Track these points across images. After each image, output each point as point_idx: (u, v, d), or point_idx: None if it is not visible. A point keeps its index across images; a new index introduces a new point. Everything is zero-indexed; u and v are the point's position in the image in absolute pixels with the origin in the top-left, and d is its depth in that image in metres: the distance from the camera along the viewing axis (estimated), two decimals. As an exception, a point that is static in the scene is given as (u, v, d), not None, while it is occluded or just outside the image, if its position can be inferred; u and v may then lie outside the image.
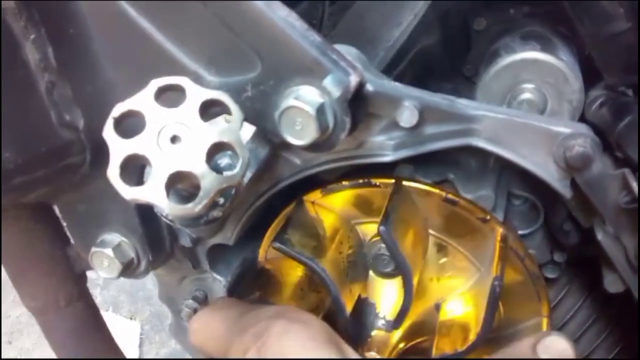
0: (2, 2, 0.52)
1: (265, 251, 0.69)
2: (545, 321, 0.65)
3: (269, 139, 0.57)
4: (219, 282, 0.72)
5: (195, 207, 0.44)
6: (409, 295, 0.59)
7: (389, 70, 0.77)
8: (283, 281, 0.67)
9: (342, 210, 0.66)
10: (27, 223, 0.67)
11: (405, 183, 0.62)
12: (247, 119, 0.54)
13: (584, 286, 0.77)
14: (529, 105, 0.71)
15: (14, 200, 0.57)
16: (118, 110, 0.45)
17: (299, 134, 0.50)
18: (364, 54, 0.65)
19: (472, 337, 0.59)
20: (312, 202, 0.66)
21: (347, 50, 0.58)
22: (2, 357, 1.72)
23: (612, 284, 0.61)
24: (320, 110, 0.49)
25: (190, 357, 0.85)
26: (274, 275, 0.68)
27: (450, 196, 0.62)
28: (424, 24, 0.79)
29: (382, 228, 0.57)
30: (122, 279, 0.67)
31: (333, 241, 0.65)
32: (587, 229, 0.63)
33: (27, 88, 0.55)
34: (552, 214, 0.70)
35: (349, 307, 0.61)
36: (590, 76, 0.70)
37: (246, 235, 0.71)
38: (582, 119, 0.70)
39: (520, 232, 0.72)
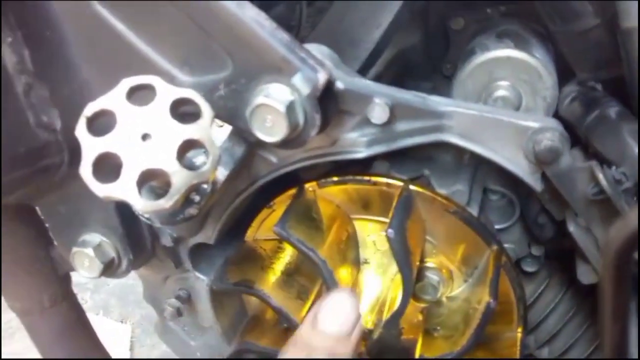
0: None
1: (255, 232, 0.69)
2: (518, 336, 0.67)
3: (245, 137, 0.59)
4: (201, 281, 0.73)
5: (166, 203, 0.45)
6: (406, 299, 0.60)
7: (369, 70, 0.78)
8: (268, 266, 0.68)
9: (340, 203, 0.67)
10: (10, 225, 0.68)
11: (412, 187, 0.63)
12: (221, 117, 0.56)
13: (564, 280, 0.78)
14: (504, 102, 0.72)
15: (-6, 201, 0.58)
16: (90, 109, 0.46)
17: (270, 131, 0.52)
18: (345, 55, 0.66)
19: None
20: (313, 191, 0.66)
21: (318, 49, 0.59)
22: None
23: (584, 275, 0.62)
24: (290, 107, 0.50)
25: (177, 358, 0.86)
26: (259, 259, 0.68)
27: (454, 208, 0.63)
28: (403, 25, 0.80)
29: (390, 231, 0.57)
30: (112, 282, 0.68)
31: (330, 231, 0.65)
32: (561, 221, 0.64)
33: (4, 91, 0.55)
34: (528, 208, 0.71)
35: None
36: (566, 73, 0.71)
37: (229, 235, 0.72)
38: (556, 114, 0.71)
39: (497, 226, 0.73)
